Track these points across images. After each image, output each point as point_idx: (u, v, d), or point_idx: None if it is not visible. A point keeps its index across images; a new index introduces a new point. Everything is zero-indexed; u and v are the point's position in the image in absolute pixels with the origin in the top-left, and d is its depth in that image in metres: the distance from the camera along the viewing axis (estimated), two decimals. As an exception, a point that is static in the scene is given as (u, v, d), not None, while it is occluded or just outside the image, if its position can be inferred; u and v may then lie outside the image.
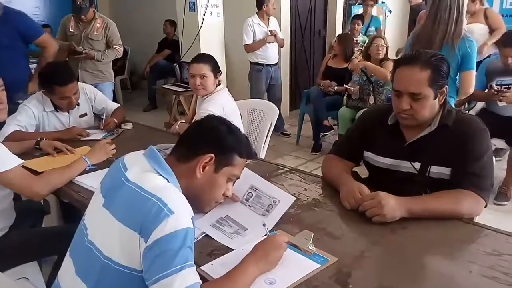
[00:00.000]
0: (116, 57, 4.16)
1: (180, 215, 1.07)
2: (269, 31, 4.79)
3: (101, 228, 1.16)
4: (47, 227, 2.33)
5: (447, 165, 1.59)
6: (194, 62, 2.59)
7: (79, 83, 2.71)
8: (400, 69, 1.60)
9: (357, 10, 6.30)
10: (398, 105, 1.59)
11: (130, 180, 1.16)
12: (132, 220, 1.07)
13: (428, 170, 1.62)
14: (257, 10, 4.80)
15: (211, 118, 1.35)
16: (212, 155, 1.23)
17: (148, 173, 1.17)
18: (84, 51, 3.86)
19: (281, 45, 5.04)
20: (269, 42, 4.78)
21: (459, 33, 2.71)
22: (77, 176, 1.88)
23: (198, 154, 1.23)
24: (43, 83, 2.52)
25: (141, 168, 1.19)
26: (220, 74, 2.67)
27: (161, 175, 1.17)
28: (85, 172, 1.93)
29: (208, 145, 1.24)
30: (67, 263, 1.23)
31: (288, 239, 1.27)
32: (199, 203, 1.28)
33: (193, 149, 1.25)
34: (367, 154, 1.79)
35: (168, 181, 1.17)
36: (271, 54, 4.88)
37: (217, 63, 2.65)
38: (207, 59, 2.61)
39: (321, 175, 1.86)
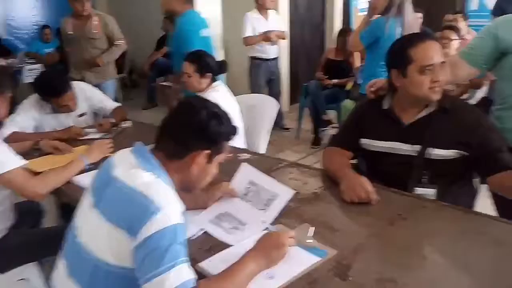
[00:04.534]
0: (122, 51, 4.02)
1: (168, 211, 1.04)
2: (268, 31, 4.62)
3: (91, 228, 1.14)
4: (47, 227, 2.32)
5: (451, 147, 1.61)
6: (185, 60, 2.58)
7: (77, 82, 2.70)
8: (419, 46, 1.59)
9: (356, 3, 6.24)
10: (434, 78, 1.58)
11: (118, 178, 1.13)
12: (120, 218, 1.05)
13: (428, 152, 1.63)
14: (255, 5, 4.74)
15: (187, 106, 1.26)
16: (209, 151, 1.20)
17: (135, 170, 1.13)
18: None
19: (282, 38, 4.95)
20: (271, 41, 4.65)
21: None
22: (75, 175, 1.88)
23: (191, 150, 1.19)
24: (38, 93, 2.51)
25: (128, 165, 1.16)
26: (211, 73, 2.56)
27: (149, 171, 1.13)
28: (83, 171, 1.92)
29: (200, 141, 1.19)
30: (60, 265, 1.22)
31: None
32: (192, 189, 1.28)
33: (183, 145, 1.19)
34: (364, 141, 1.79)
35: (157, 177, 1.12)
36: (270, 48, 4.82)
37: (207, 63, 2.56)
38: (194, 58, 2.56)
39: (321, 168, 1.85)
